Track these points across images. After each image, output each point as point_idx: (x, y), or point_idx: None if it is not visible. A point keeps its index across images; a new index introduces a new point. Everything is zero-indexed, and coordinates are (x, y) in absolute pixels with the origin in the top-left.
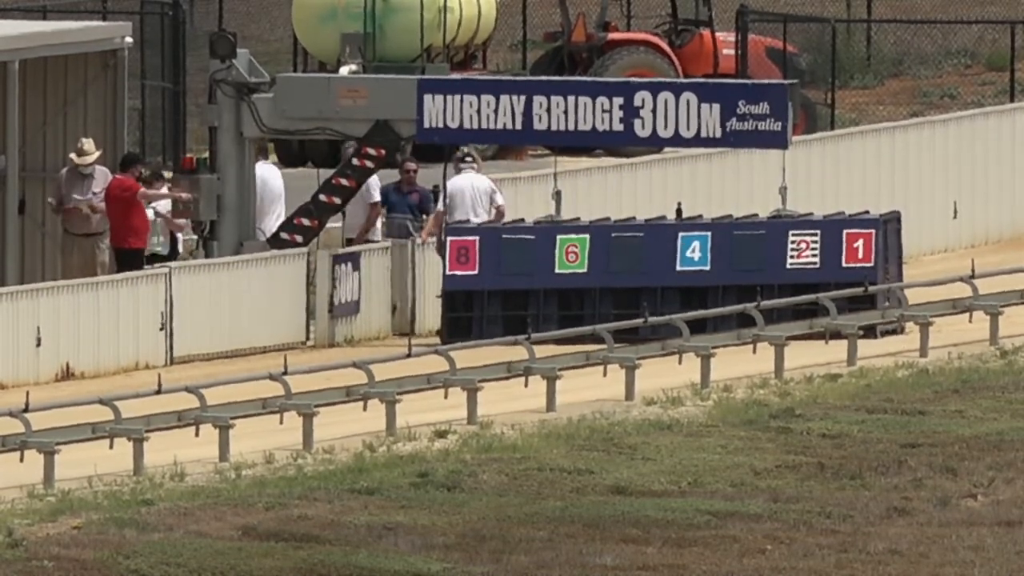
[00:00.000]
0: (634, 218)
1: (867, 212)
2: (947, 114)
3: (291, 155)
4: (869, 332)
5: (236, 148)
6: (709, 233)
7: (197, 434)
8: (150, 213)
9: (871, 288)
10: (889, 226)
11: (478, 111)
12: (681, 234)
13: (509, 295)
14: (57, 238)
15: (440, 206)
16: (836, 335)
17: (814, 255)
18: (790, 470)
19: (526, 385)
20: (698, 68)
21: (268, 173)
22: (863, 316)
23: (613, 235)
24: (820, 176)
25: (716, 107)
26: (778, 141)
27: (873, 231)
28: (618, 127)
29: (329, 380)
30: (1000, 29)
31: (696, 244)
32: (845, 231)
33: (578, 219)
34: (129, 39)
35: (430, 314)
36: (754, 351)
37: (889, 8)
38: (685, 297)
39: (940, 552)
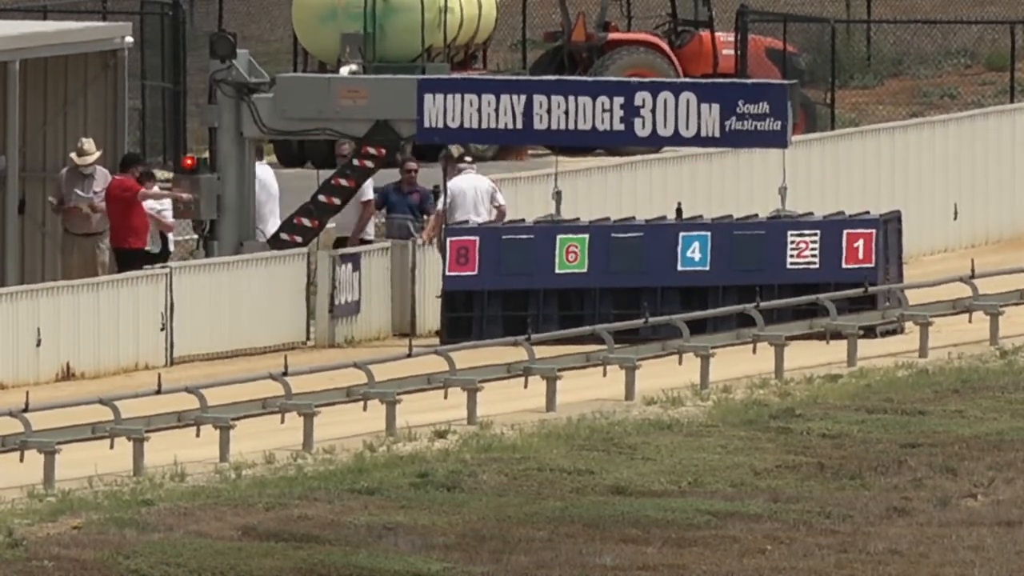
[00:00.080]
0: (634, 218)
1: (867, 212)
2: (947, 114)
3: (291, 155)
4: (869, 332)
5: (236, 148)
6: (709, 233)
7: (197, 434)
8: None
9: (871, 288)
10: (889, 226)
11: (478, 111)
12: (681, 234)
13: (509, 295)
14: (57, 238)
15: (440, 206)
16: (836, 335)
17: (814, 255)
18: (790, 470)
19: (526, 385)
20: (698, 68)
21: (264, 173)
22: (863, 316)
23: (613, 235)
24: (820, 176)
25: (716, 107)
26: (778, 141)
27: (873, 231)
28: (618, 127)
29: (329, 380)
30: (1000, 29)
31: (696, 244)
32: (845, 231)
33: (578, 219)
34: (129, 39)
35: (430, 314)
36: (754, 351)
37: (889, 8)
38: (685, 297)
39: (940, 552)
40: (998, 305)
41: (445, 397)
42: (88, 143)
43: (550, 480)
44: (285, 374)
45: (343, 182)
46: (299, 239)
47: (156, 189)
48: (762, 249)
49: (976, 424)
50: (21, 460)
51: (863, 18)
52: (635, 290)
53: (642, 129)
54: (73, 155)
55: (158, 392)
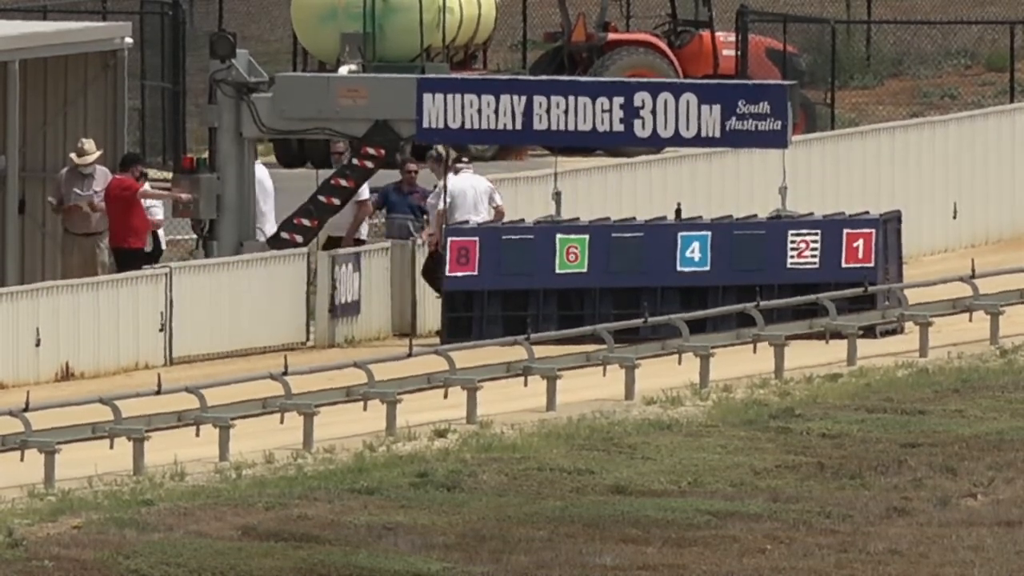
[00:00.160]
0: (634, 218)
1: (867, 212)
2: (947, 114)
3: (291, 155)
4: (869, 332)
5: (236, 148)
6: (709, 233)
7: (197, 434)
8: None
9: (871, 288)
10: (889, 226)
11: (478, 111)
12: (681, 234)
13: (509, 295)
14: (57, 238)
15: (440, 206)
16: (836, 335)
17: (814, 255)
18: (790, 470)
19: (526, 385)
20: (698, 68)
21: (259, 172)
22: (863, 316)
23: (613, 235)
24: (820, 176)
25: (716, 107)
26: (778, 141)
27: (873, 231)
28: (618, 127)
29: (329, 380)
30: (1000, 29)
31: (696, 244)
32: (845, 231)
33: (578, 219)
34: (129, 39)
35: (430, 314)
36: (754, 351)
37: (889, 8)
38: (685, 297)
39: (940, 552)
40: (998, 305)
41: (445, 397)
42: (88, 143)
43: (550, 480)
44: (285, 374)
45: (343, 182)
46: (299, 239)
47: (146, 187)
48: (762, 249)
49: (976, 424)
50: (21, 460)
51: (863, 18)
52: (635, 290)
53: (642, 130)
54: (73, 155)
55: (158, 392)
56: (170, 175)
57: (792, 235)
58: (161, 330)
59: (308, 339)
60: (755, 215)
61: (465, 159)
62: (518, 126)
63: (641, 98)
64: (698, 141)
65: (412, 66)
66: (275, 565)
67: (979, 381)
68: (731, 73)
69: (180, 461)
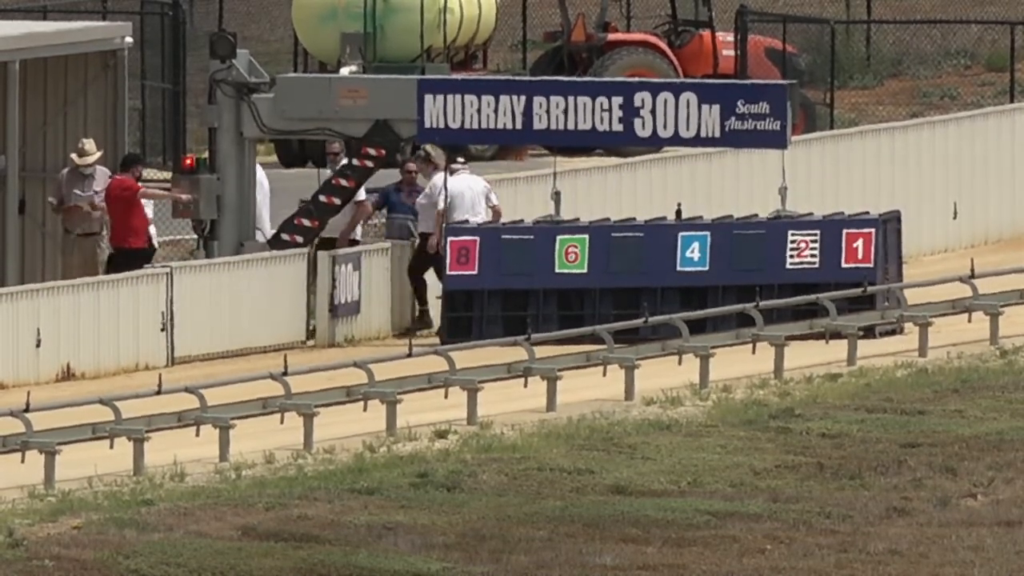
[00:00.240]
0: (634, 218)
1: (867, 212)
2: (947, 114)
3: (291, 155)
4: (869, 332)
5: (236, 148)
6: (709, 233)
7: (197, 434)
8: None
9: (871, 288)
10: (889, 226)
11: (478, 111)
12: (681, 234)
13: (509, 295)
14: (57, 238)
15: (441, 205)
16: (836, 335)
17: (813, 255)
18: (790, 470)
19: (526, 385)
20: (698, 68)
21: (259, 174)
22: (863, 316)
23: (613, 235)
24: (820, 176)
25: (716, 107)
26: (778, 141)
27: (873, 231)
28: (618, 127)
29: (329, 380)
30: (1000, 29)
31: (696, 244)
32: (845, 231)
33: (578, 219)
34: (129, 39)
35: (430, 314)
36: (754, 351)
37: (889, 8)
38: (685, 297)
39: (940, 552)
40: (998, 305)
41: (445, 397)
42: (89, 143)
43: (550, 480)
44: (285, 374)
45: (343, 182)
46: (299, 239)
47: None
48: (762, 249)
49: (976, 424)
50: (22, 460)
51: (863, 18)
52: (635, 290)
53: (642, 129)
54: (74, 155)
55: (158, 392)
56: (170, 175)
57: (792, 235)
58: (162, 330)
59: (308, 339)
60: (755, 215)
61: (461, 159)
62: (518, 126)
63: (641, 98)
64: (698, 141)
65: (412, 66)
66: (275, 565)
67: (979, 381)
68: (731, 73)
69: (180, 461)
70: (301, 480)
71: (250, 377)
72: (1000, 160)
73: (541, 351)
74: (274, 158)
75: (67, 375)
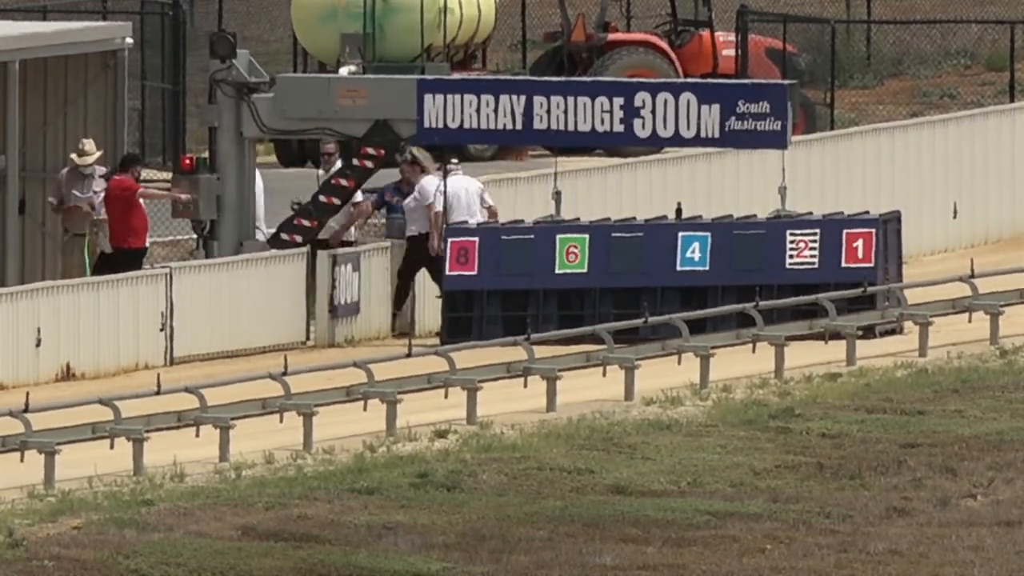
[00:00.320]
0: (634, 218)
1: (867, 212)
2: (947, 114)
3: (291, 155)
4: (868, 332)
5: (236, 148)
6: (709, 233)
7: (197, 434)
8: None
9: (870, 288)
10: (889, 226)
11: (478, 111)
12: (681, 234)
13: (509, 295)
14: (57, 238)
15: (439, 206)
16: (835, 335)
17: (813, 255)
18: (790, 470)
19: (526, 385)
20: (698, 68)
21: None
22: (862, 316)
23: (613, 235)
24: (820, 176)
25: (716, 107)
26: (778, 141)
27: (873, 231)
28: (618, 127)
29: (329, 380)
30: (1000, 29)
31: (696, 244)
32: (845, 231)
33: (578, 219)
34: (129, 39)
35: (430, 314)
36: (753, 351)
37: (889, 8)
38: (685, 297)
39: (940, 552)
40: (998, 305)
41: (445, 397)
42: (88, 143)
43: (550, 480)
44: (285, 374)
45: (343, 182)
46: (299, 239)
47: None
48: (762, 249)
49: (976, 424)
50: (21, 460)
51: (863, 18)
52: (635, 290)
53: (642, 130)
54: (74, 156)
55: (158, 392)
56: (170, 175)
57: (791, 235)
58: (161, 330)
59: (308, 339)
60: (755, 215)
61: (455, 160)
62: (518, 126)
63: (641, 98)
64: (698, 141)
65: (412, 66)
66: (275, 565)
67: (979, 381)
68: (731, 73)
69: (180, 461)
70: (301, 480)
71: (250, 377)
72: (1000, 160)
73: (541, 351)
74: (273, 158)
75: (67, 375)
